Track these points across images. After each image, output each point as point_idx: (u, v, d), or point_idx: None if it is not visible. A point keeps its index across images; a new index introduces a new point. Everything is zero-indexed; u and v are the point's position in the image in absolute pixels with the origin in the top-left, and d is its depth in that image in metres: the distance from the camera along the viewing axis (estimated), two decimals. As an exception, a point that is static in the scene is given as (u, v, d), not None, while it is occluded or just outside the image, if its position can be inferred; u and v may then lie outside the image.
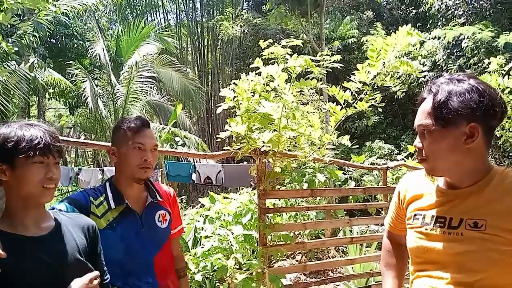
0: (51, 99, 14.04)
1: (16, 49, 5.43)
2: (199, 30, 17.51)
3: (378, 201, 6.89)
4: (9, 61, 7.47)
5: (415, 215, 1.31)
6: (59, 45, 12.15)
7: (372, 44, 2.93)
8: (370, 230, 6.55)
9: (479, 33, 9.41)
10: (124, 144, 1.65)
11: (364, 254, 5.03)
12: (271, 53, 2.84)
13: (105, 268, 1.42)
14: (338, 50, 12.38)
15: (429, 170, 1.26)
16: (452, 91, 1.15)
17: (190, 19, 17.65)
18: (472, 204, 1.18)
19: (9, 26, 7.83)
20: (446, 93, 1.15)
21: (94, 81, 11.23)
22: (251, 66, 2.98)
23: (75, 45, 12.11)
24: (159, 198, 1.77)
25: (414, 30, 2.81)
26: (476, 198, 1.18)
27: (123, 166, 1.67)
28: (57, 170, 1.22)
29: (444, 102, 1.15)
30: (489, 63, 4.42)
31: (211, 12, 17.67)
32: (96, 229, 1.40)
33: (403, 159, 8.93)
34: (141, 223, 1.67)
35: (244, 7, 17.61)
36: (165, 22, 18.21)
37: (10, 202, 1.19)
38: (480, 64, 9.32)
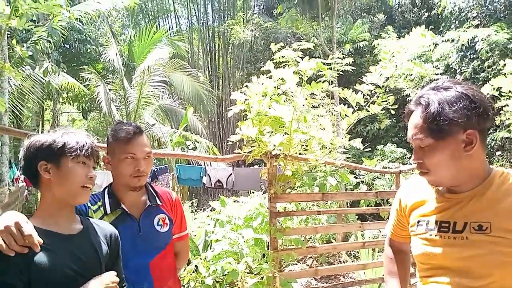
0: (65, 104, 14.22)
1: (31, 53, 5.53)
2: (210, 35, 17.62)
3: (390, 205, 6.79)
4: (23, 66, 7.60)
5: (418, 221, 1.29)
6: (73, 50, 12.31)
7: (385, 46, 2.91)
8: (382, 235, 6.46)
9: (495, 35, 9.27)
10: (117, 154, 1.64)
11: (377, 259, 4.96)
12: (282, 56, 2.83)
13: (123, 275, 1.45)
14: (349, 53, 12.33)
15: (433, 182, 1.24)
16: (443, 101, 1.13)
17: (201, 24, 17.78)
18: (475, 207, 1.16)
19: (24, 31, 7.99)
20: (437, 104, 1.13)
21: (107, 86, 11.35)
22: (262, 69, 2.97)
23: (88, 50, 12.25)
24: (158, 202, 1.74)
25: (428, 31, 2.78)
26: (479, 201, 1.16)
27: (118, 175, 1.66)
28: (95, 173, 1.34)
29: (438, 114, 1.12)
30: (504, 65, 4.34)
31: (222, 17, 17.78)
32: (118, 238, 1.44)
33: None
34: (139, 227, 1.65)
35: (255, 11, 17.67)
36: (176, 27, 18.37)
37: (46, 201, 1.28)
38: (494, 67, 9.17)
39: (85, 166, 1.29)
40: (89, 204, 1.62)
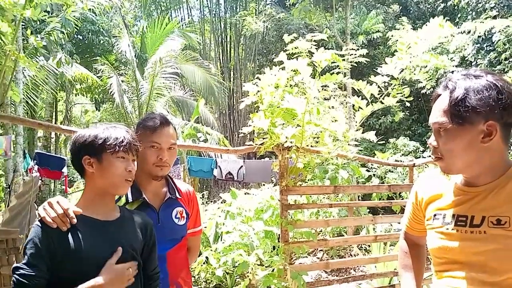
0: (78, 95, 14.36)
1: (45, 44, 5.56)
2: (222, 26, 17.56)
3: (403, 199, 6.73)
4: (37, 57, 7.67)
5: (435, 215, 1.27)
6: (86, 41, 12.36)
7: (401, 37, 2.84)
8: (394, 229, 6.42)
9: (513, 26, 9.02)
10: (142, 143, 1.66)
11: (388, 252, 4.93)
12: (296, 47, 2.79)
13: (157, 263, 1.54)
14: (363, 45, 12.15)
15: (444, 169, 1.22)
16: (470, 88, 1.10)
17: (213, 15, 17.72)
18: (494, 201, 1.13)
19: (38, 22, 8.04)
20: (463, 90, 1.10)
21: (119, 77, 11.41)
22: (274, 61, 2.94)
23: (101, 41, 12.30)
24: (177, 195, 1.79)
25: (446, 21, 2.71)
26: (498, 195, 1.13)
27: (141, 163, 1.69)
28: (134, 166, 1.43)
29: (462, 100, 1.10)
30: (523, 57, 4.23)
31: (234, 8, 17.69)
32: (153, 229, 1.52)
33: (429, 156, 8.68)
34: (158, 217, 1.68)
35: (267, 2, 17.54)
36: (188, 18, 18.36)
37: (89, 190, 1.40)
38: (511, 59, 8.95)
39: (124, 160, 1.39)
40: None
